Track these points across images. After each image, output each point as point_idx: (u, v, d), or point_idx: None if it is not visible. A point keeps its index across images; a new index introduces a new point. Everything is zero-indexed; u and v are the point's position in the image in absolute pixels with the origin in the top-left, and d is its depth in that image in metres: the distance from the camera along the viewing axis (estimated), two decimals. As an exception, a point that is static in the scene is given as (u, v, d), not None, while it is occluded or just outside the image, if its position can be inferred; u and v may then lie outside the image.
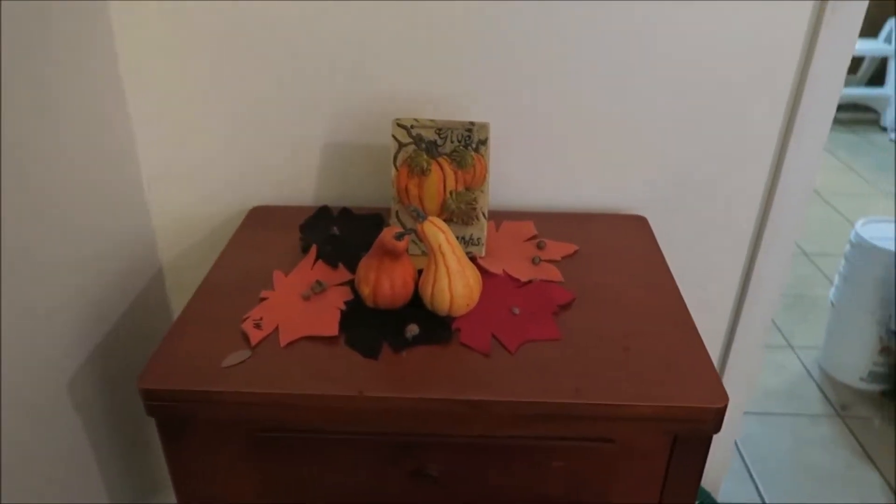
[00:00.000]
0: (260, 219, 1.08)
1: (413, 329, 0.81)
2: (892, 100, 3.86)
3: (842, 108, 1.07)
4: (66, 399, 0.91)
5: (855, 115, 3.97)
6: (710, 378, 0.76)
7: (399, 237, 0.80)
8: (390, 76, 1.04)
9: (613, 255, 0.99)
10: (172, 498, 1.24)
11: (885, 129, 3.88)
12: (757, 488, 1.61)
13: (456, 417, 0.74)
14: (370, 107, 1.06)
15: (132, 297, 1.09)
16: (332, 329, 0.81)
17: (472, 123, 0.92)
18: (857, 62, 3.96)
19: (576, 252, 0.99)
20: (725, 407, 0.73)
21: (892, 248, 1.77)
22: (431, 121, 0.92)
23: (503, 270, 0.94)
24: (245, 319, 0.83)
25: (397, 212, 0.97)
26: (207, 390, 0.73)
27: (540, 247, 0.99)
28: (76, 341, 0.93)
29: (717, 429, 0.74)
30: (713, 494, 1.42)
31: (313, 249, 0.96)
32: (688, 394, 0.74)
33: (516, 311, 0.86)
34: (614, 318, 0.85)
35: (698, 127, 1.07)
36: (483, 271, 0.93)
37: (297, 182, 1.12)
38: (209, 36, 1.00)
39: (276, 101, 1.06)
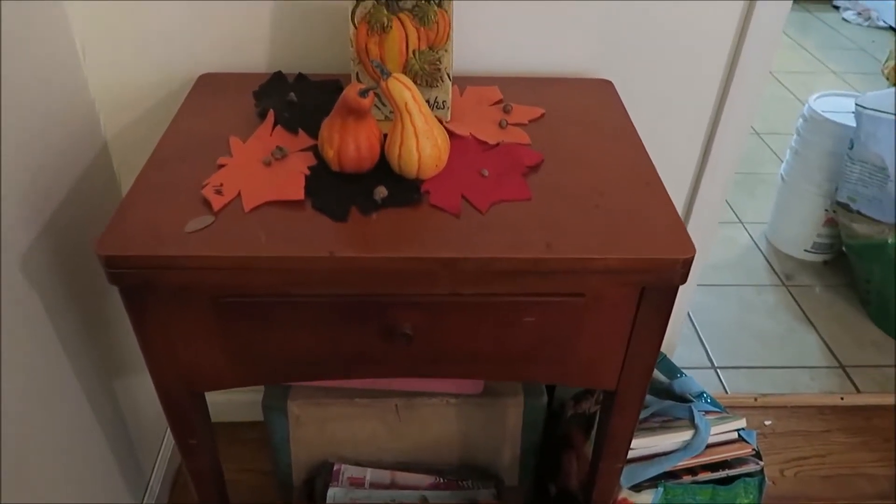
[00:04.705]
0: (209, 86, 1.02)
1: (382, 191, 0.79)
2: (846, -23, 3.83)
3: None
4: (20, 276, 0.87)
5: (808, -6, 3.94)
6: (678, 231, 0.77)
7: (364, 94, 0.76)
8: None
9: (581, 118, 0.97)
10: (137, 380, 1.24)
11: (837, 8, 3.87)
12: (706, 352, 1.70)
13: (428, 276, 0.74)
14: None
15: (78, 174, 1.03)
16: (298, 193, 0.79)
17: (434, -24, 0.86)
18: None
19: (543, 115, 0.97)
20: (692, 258, 0.74)
21: (844, 122, 1.80)
22: (391, -27, 0.86)
23: (470, 134, 0.91)
24: (205, 186, 0.79)
25: (357, 73, 0.92)
26: (171, 255, 0.71)
27: (506, 110, 0.96)
28: (27, 217, 0.88)
29: (684, 279, 0.75)
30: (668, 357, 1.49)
31: (271, 115, 0.92)
32: (656, 246, 0.75)
33: (485, 172, 0.84)
34: (583, 177, 0.85)
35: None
36: (450, 134, 0.90)
37: (248, 48, 1.05)
38: None
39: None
